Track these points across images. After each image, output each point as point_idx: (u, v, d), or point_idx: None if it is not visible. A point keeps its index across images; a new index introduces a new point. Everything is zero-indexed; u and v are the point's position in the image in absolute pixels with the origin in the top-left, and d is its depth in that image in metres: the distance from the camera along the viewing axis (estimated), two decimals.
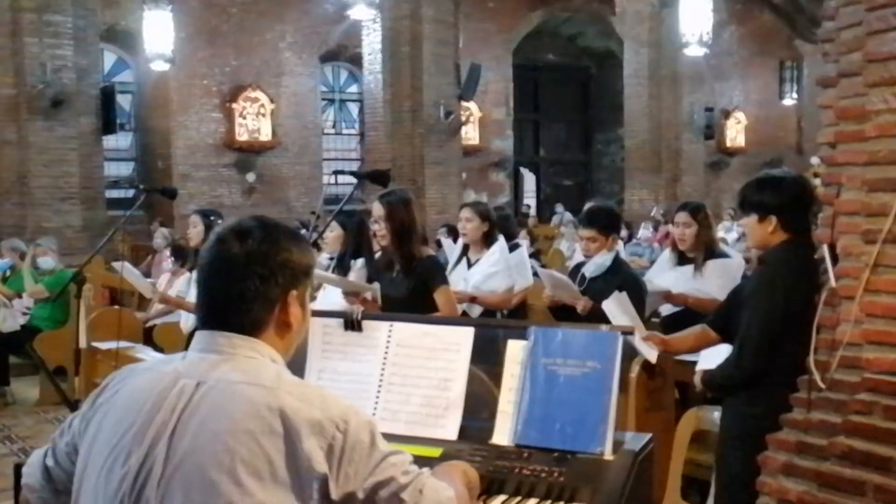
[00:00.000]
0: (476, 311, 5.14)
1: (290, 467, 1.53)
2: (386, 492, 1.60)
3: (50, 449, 1.79)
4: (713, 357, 3.52)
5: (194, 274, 5.87)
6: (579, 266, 4.78)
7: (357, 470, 1.57)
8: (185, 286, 6.56)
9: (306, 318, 1.77)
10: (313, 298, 5.47)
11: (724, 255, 5.13)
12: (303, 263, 1.73)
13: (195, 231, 5.96)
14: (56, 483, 1.78)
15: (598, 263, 4.54)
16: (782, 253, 3.24)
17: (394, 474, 1.61)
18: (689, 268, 5.00)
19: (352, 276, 4.83)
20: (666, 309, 5.06)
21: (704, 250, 4.99)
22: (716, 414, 3.76)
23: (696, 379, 3.52)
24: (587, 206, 4.98)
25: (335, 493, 1.55)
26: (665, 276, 5.13)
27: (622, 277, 4.40)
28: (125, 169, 18.13)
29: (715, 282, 4.79)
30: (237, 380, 1.60)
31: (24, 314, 7.95)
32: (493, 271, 5.23)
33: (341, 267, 4.96)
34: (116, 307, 7.79)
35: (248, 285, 1.65)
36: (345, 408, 1.61)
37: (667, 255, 5.41)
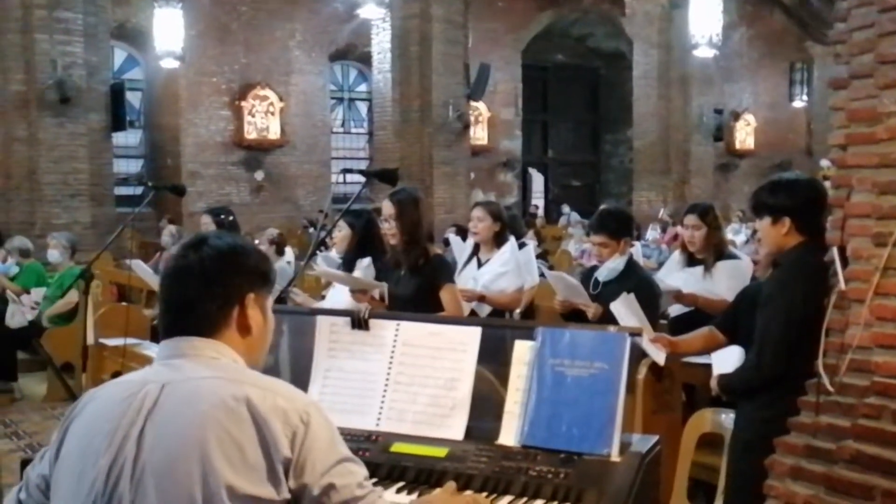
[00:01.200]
0: (485, 310, 5.13)
1: (262, 451, 1.57)
2: (339, 497, 1.63)
3: (24, 482, 1.82)
4: (727, 361, 3.50)
5: None
6: (593, 270, 4.75)
7: (314, 464, 1.61)
8: None
9: (268, 324, 1.82)
10: (322, 297, 5.47)
11: (733, 257, 5.11)
12: (259, 269, 1.79)
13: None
14: None
15: (610, 268, 4.51)
16: (798, 255, 3.22)
17: (350, 482, 1.65)
18: (699, 269, 4.98)
19: (357, 275, 4.82)
20: (674, 310, 5.04)
21: (714, 251, 4.97)
22: (723, 416, 3.74)
23: (713, 384, 3.50)
24: (600, 208, 4.95)
25: (291, 482, 1.59)
26: (675, 276, 5.11)
27: (636, 281, 4.37)
28: (134, 166, 18.17)
29: (724, 283, 4.77)
30: (201, 375, 1.65)
31: (33, 310, 7.96)
32: (503, 271, 5.21)
33: (349, 267, 4.94)
34: (124, 304, 7.80)
35: (204, 288, 1.71)
36: (308, 402, 1.67)
37: (676, 256, 5.38)
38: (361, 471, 1.70)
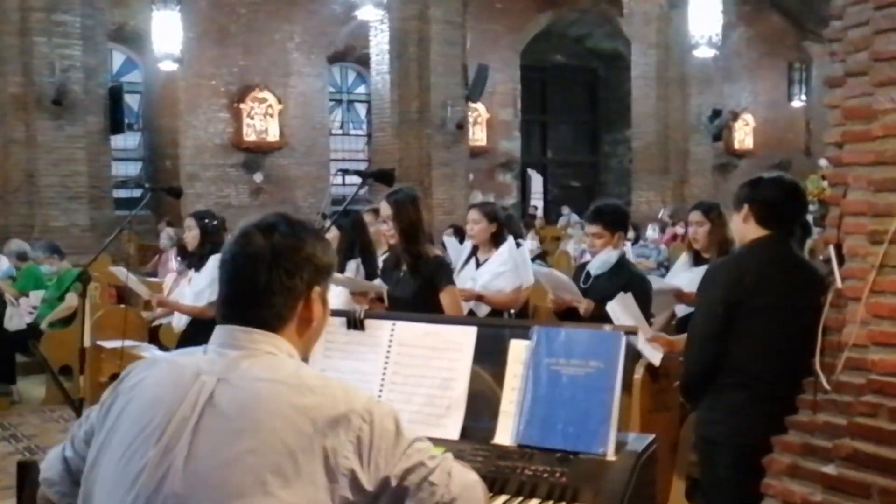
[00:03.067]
0: (483, 310, 5.13)
1: (317, 464, 1.53)
2: (416, 476, 1.61)
3: (68, 441, 1.79)
4: None
5: (192, 272, 5.84)
6: (584, 265, 4.76)
7: (387, 459, 1.58)
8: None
9: (326, 316, 1.77)
10: None
11: None
12: (325, 261, 1.74)
13: (191, 235, 5.83)
14: (75, 475, 1.76)
15: (602, 260, 4.51)
16: (743, 248, 3.27)
17: (422, 459, 1.63)
18: (704, 268, 5.00)
19: (348, 276, 4.82)
20: (681, 310, 5.05)
21: (718, 249, 4.99)
22: None
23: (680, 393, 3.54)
24: (597, 201, 4.99)
25: (369, 484, 1.56)
26: (680, 276, 5.14)
27: (627, 276, 4.38)
28: (133, 169, 18.17)
29: None
30: (259, 377, 1.60)
31: (31, 313, 7.96)
32: (501, 271, 5.22)
33: (339, 268, 4.94)
34: (122, 306, 7.80)
35: (273, 278, 1.65)
36: (367, 399, 1.62)
37: (684, 256, 5.42)
38: (429, 445, 1.68)
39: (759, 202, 3.22)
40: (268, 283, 1.65)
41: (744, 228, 3.27)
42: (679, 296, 4.91)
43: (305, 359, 1.74)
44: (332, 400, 1.57)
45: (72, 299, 7.73)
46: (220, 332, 1.68)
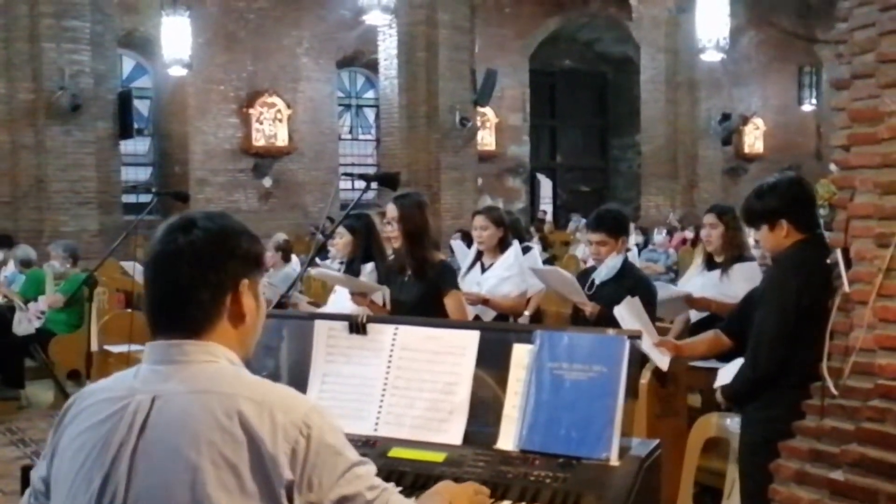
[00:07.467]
0: (489, 314, 5.11)
1: (257, 475, 1.49)
2: None
3: (32, 491, 1.75)
4: (732, 372, 3.48)
5: None
6: (588, 271, 4.73)
7: (321, 479, 1.53)
8: None
9: (260, 310, 1.70)
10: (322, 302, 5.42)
11: (752, 259, 5.11)
12: (252, 253, 1.67)
13: None
14: None
15: (609, 266, 4.49)
16: (794, 252, 3.24)
17: (359, 488, 1.57)
18: (716, 273, 4.99)
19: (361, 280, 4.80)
20: (695, 314, 5.02)
21: (733, 253, 4.97)
22: (728, 421, 3.72)
23: (718, 396, 3.51)
24: (598, 208, 4.96)
25: (298, 501, 1.51)
26: (692, 281, 5.11)
27: (633, 281, 4.35)
28: (143, 174, 18.20)
29: (741, 285, 4.71)
30: (193, 389, 1.55)
31: (39, 318, 7.98)
32: (507, 275, 5.20)
33: (351, 272, 4.92)
34: (129, 310, 7.81)
35: (196, 274, 1.59)
36: (308, 410, 1.56)
37: (697, 261, 5.40)
38: (370, 470, 1.62)
39: (794, 213, 3.23)
40: (191, 280, 1.59)
41: (784, 242, 3.27)
42: (690, 301, 4.87)
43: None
44: (270, 408, 1.52)
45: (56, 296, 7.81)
46: (151, 349, 1.63)
